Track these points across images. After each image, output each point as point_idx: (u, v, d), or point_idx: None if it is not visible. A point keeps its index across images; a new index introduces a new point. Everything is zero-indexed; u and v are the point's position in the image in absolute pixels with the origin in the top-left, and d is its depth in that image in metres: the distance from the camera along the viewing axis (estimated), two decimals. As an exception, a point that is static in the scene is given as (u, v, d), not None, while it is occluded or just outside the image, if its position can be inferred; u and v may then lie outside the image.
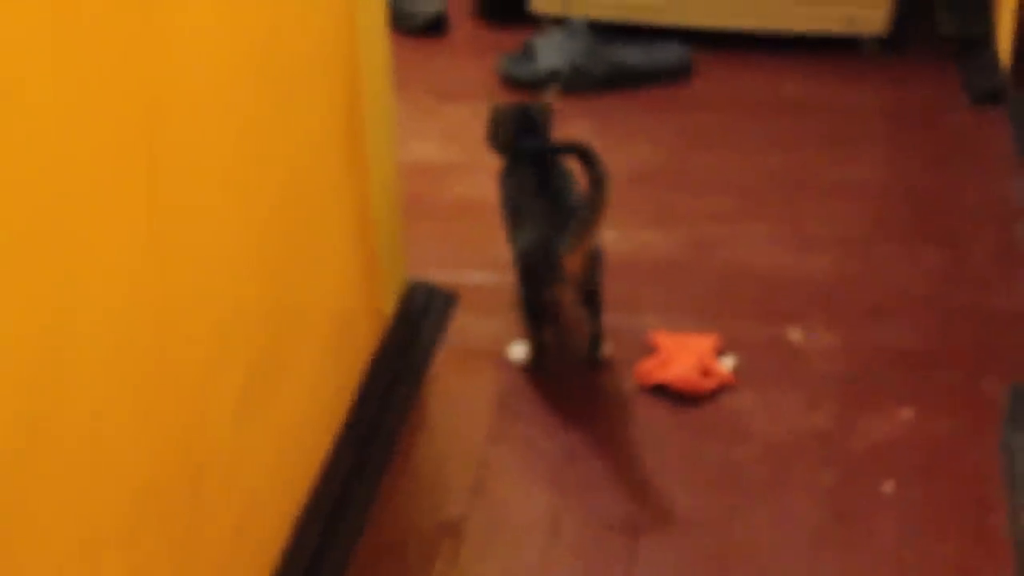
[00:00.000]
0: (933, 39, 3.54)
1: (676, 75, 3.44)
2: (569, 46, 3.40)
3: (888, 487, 2.20)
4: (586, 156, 2.28)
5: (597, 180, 2.25)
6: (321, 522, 2.05)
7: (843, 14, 3.47)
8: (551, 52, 3.39)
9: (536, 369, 2.45)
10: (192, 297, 1.61)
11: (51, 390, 1.30)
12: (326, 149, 2.11)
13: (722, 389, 2.40)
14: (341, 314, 2.22)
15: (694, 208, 2.93)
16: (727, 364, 2.43)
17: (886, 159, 3.16)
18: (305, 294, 2.03)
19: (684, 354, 2.42)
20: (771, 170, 3.07)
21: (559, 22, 3.54)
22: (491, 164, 2.56)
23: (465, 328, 2.56)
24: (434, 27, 3.66)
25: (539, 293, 2.41)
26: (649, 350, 2.47)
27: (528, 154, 2.47)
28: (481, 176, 2.62)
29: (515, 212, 2.46)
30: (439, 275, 2.63)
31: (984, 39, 3.42)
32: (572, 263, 2.32)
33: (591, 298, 2.42)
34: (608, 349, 2.47)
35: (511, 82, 3.39)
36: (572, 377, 2.46)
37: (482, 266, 2.69)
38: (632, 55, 3.43)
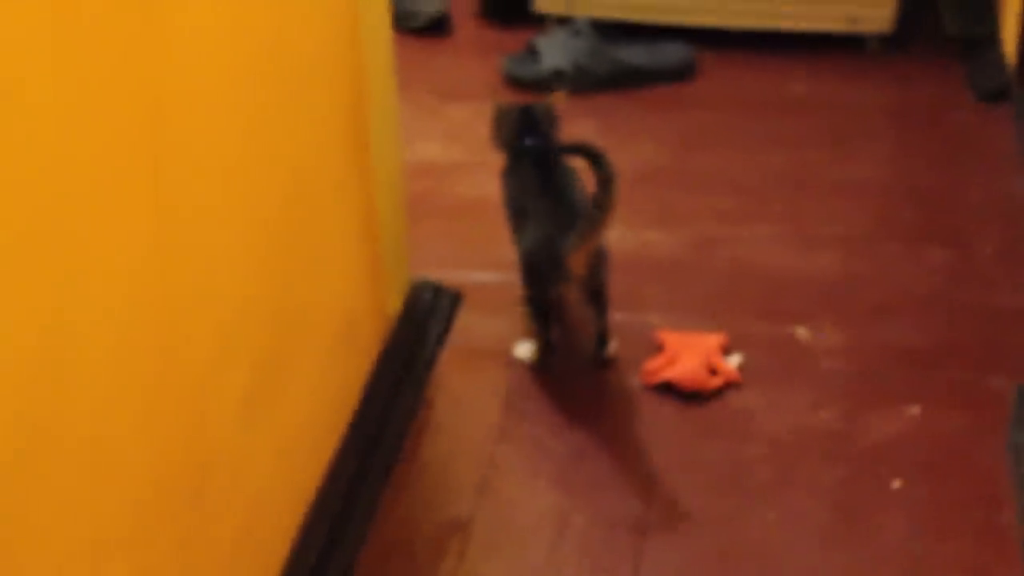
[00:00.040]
0: (938, 37, 3.54)
1: (680, 74, 3.43)
2: (573, 45, 3.39)
3: (895, 485, 2.19)
4: (594, 156, 2.27)
5: (605, 180, 2.25)
6: (327, 522, 2.04)
7: (848, 12, 3.47)
8: (555, 52, 3.39)
9: (542, 368, 2.44)
10: (196, 297, 1.60)
11: (53, 391, 1.30)
12: (330, 149, 2.10)
13: (728, 387, 2.40)
14: (346, 314, 2.22)
15: (698, 207, 2.92)
16: (733, 362, 2.43)
17: (891, 158, 3.16)
18: (310, 294, 2.02)
19: (690, 352, 2.42)
20: (775, 169, 3.06)
21: (563, 21, 3.54)
22: (495, 163, 2.55)
23: (470, 327, 2.55)
24: (437, 27, 3.66)
25: (544, 292, 2.41)
26: (655, 349, 2.47)
27: (529, 153, 2.47)
28: (485, 175, 2.62)
29: (518, 211, 2.45)
30: (444, 274, 2.62)
31: (989, 37, 3.41)
32: (577, 262, 2.32)
33: (597, 297, 2.41)
34: (614, 347, 2.46)
35: (514, 82, 3.39)
36: (578, 376, 2.45)
37: (487, 265, 2.69)
38: (636, 54, 3.43)
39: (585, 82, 3.34)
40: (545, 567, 2.07)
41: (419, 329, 2.48)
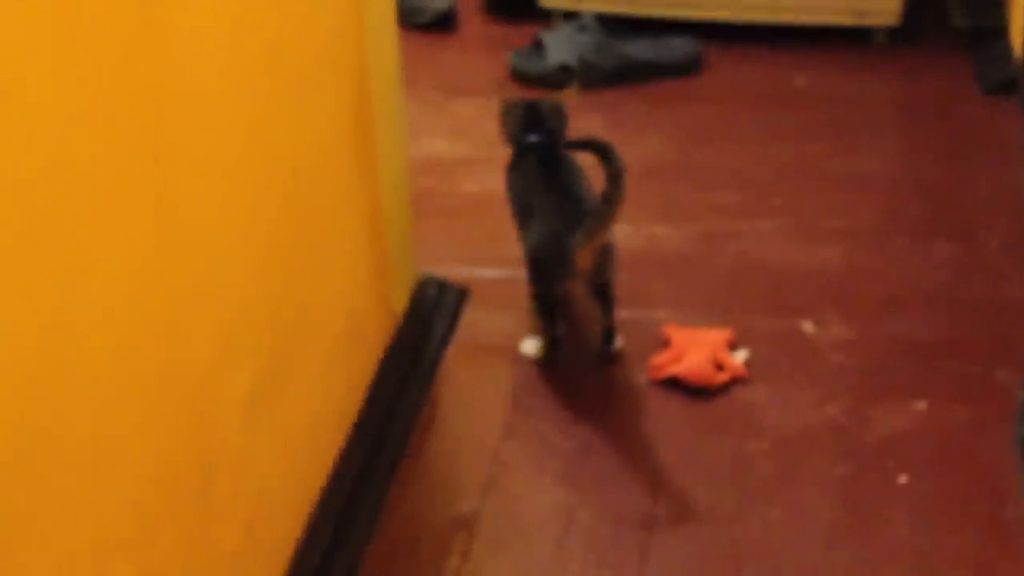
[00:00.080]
0: (945, 30, 3.53)
1: (686, 69, 3.43)
2: (579, 40, 3.39)
3: (902, 480, 2.19)
4: (603, 152, 2.27)
5: (614, 176, 2.25)
6: (333, 520, 2.04)
7: (854, 6, 3.46)
8: (561, 47, 3.39)
9: (548, 364, 2.44)
10: (199, 296, 1.60)
11: (54, 391, 1.30)
12: (335, 147, 2.10)
13: (735, 383, 2.40)
14: (351, 312, 2.22)
15: (705, 202, 2.92)
16: (740, 358, 2.42)
17: (898, 151, 3.15)
18: (315, 293, 2.02)
19: (696, 348, 2.42)
20: (782, 163, 3.06)
21: (569, 16, 3.53)
22: (501, 159, 2.55)
23: (477, 324, 2.55)
24: (443, 22, 3.66)
25: (551, 288, 2.41)
26: (661, 344, 2.47)
27: (533, 149, 2.47)
28: (491, 171, 2.61)
29: (523, 207, 2.45)
30: (450, 271, 2.62)
31: (997, 30, 3.40)
32: (583, 258, 2.32)
33: (603, 292, 2.41)
34: (620, 343, 2.46)
35: (520, 77, 3.38)
36: (584, 372, 2.45)
37: (493, 261, 2.69)
38: (642, 49, 3.43)
39: (591, 77, 3.34)
40: (551, 563, 2.07)
41: (425, 326, 2.48)
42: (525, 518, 2.16)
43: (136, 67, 1.41)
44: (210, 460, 1.66)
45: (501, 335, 2.52)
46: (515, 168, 2.51)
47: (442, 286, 2.57)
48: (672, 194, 2.94)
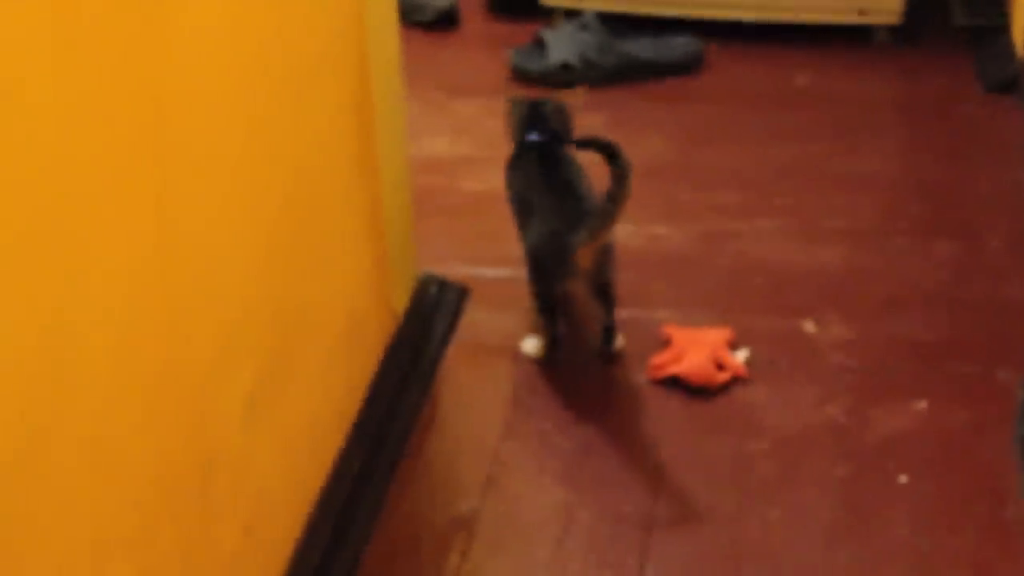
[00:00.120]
0: (947, 28, 3.52)
1: (687, 68, 3.43)
2: (580, 39, 3.39)
3: (902, 480, 2.19)
4: (610, 151, 2.27)
5: (620, 175, 2.25)
6: (333, 520, 2.04)
7: (856, 4, 3.46)
8: (562, 45, 3.39)
9: (548, 363, 2.44)
10: (199, 296, 1.60)
11: (54, 390, 1.30)
12: (336, 147, 2.10)
13: (735, 382, 2.39)
14: (352, 312, 2.22)
15: (705, 201, 2.92)
16: (740, 357, 2.42)
17: (899, 150, 3.15)
18: (315, 293, 2.02)
19: (697, 347, 2.42)
20: (783, 162, 3.06)
21: (570, 15, 3.53)
22: (502, 158, 2.55)
23: (477, 323, 2.55)
24: (444, 20, 3.66)
25: (551, 287, 2.41)
26: (662, 344, 2.47)
27: (533, 148, 2.47)
28: (493, 170, 2.61)
29: (523, 205, 2.46)
30: (451, 270, 2.62)
31: (999, 28, 3.40)
32: (584, 257, 2.32)
33: (604, 291, 2.41)
34: (620, 342, 2.46)
35: (521, 76, 3.38)
36: (585, 371, 2.45)
37: (494, 260, 2.69)
38: (643, 47, 3.42)
39: (592, 75, 3.34)
40: (551, 563, 2.07)
41: (425, 325, 2.48)
42: (525, 518, 2.16)
43: (136, 67, 1.41)
44: (210, 460, 1.66)
45: (502, 334, 2.52)
46: (515, 166, 2.51)
47: (443, 285, 2.57)
48: (673, 193, 2.94)
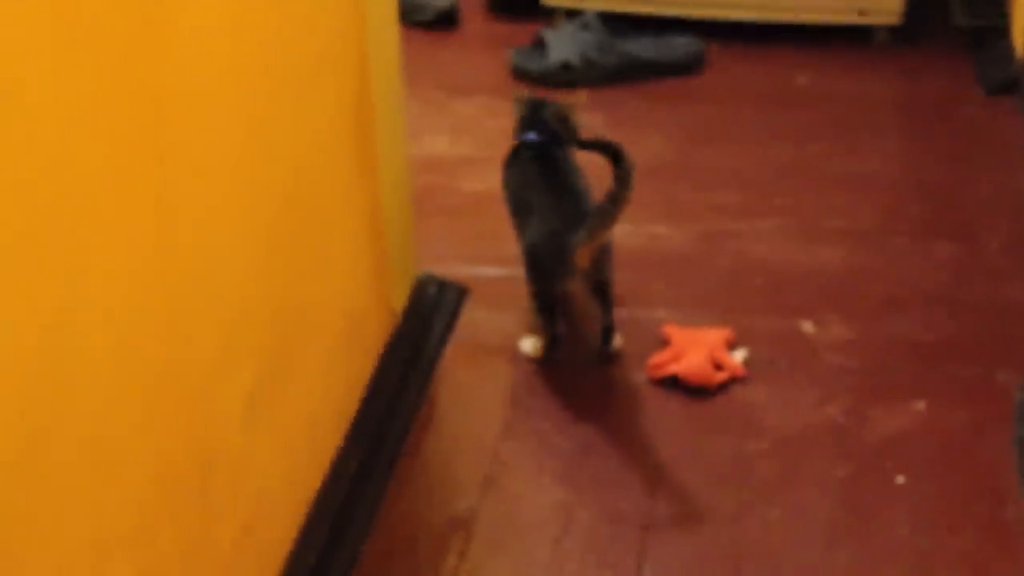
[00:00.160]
0: (947, 29, 3.53)
1: (688, 67, 3.43)
2: (581, 38, 3.39)
3: (900, 480, 2.19)
4: (614, 152, 2.27)
5: (623, 176, 2.25)
6: (331, 519, 2.04)
7: (856, 4, 3.46)
8: (562, 45, 3.39)
9: (547, 362, 2.44)
10: (199, 296, 1.60)
11: (55, 390, 1.30)
12: (335, 146, 2.10)
13: (734, 382, 2.39)
14: (351, 312, 2.22)
15: (705, 201, 2.92)
16: (739, 357, 2.42)
17: (899, 151, 3.15)
18: (314, 292, 2.02)
19: (696, 347, 2.42)
20: (783, 163, 3.06)
21: (571, 14, 3.53)
22: (502, 158, 2.55)
23: (476, 323, 2.55)
24: (445, 20, 3.66)
25: (550, 286, 2.41)
26: (661, 344, 2.47)
27: (531, 148, 2.47)
28: (492, 170, 2.61)
29: (520, 205, 2.46)
30: (450, 269, 2.62)
31: (999, 29, 3.40)
32: (583, 256, 2.32)
33: (602, 290, 2.41)
34: (619, 342, 2.46)
35: (522, 75, 3.38)
36: (584, 371, 2.45)
37: (494, 260, 2.69)
38: (643, 47, 3.43)
39: (593, 75, 3.34)
40: (549, 563, 2.07)
41: (424, 324, 2.48)
42: (524, 518, 2.16)
43: (136, 67, 1.41)
44: (210, 459, 1.66)
45: (501, 334, 2.52)
46: (512, 165, 2.51)
47: (442, 285, 2.57)
48: (672, 193, 2.94)
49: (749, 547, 2.09)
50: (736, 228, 2.82)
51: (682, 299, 2.61)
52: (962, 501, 2.15)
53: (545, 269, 2.38)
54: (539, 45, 3.45)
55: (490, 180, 2.67)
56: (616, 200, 2.26)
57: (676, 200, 2.92)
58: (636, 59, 3.39)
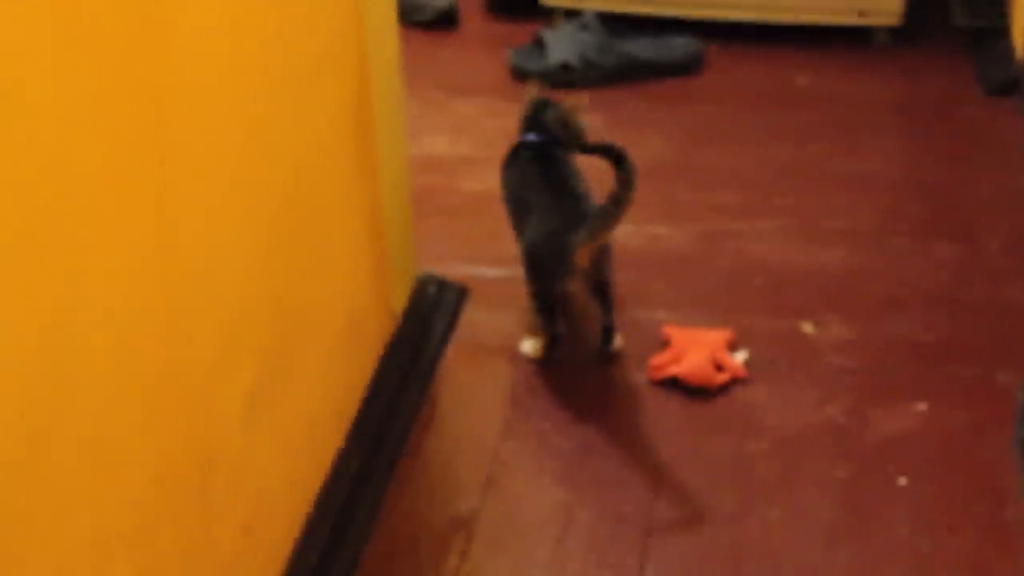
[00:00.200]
0: (947, 30, 3.52)
1: (687, 68, 3.42)
2: (580, 39, 3.39)
3: (901, 481, 2.19)
4: (617, 156, 2.26)
5: (625, 180, 2.25)
6: (331, 519, 2.04)
7: (856, 5, 3.46)
8: (561, 45, 3.38)
9: (548, 362, 2.44)
10: (200, 296, 1.60)
11: (55, 390, 1.30)
12: (335, 147, 2.10)
13: (735, 383, 2.39)
14: (351, 312, 2.21)
15: (705, 202, 2.91)
16: (739, 358, 2.42)
17: (899, 152, 3.15)
18: (314, 292, 2.02)
19: (696, 348, 2.42)
20: (782, 163, 3.05)
21: (570, 14, 3.53)
22: (502, 158, 2.55)
23: (477, 323, 2.55)
24: (444, 20, 3.65)
25: (550, 286, 2.41)
26: (661, 344, 2.46)
27: (529, 149, 2.47)
28: (492, 170, 2.61)
29: (518, 205, 2.46)
30: (450, 270, 2.62)
31: (999, 30, 3.40)
32: (583, 256, 2.32)
33: (602, 290, 2.41)
34: (619, 342, 2.46)
35: (521, 75, 3.38)
36: (584, 371, 2.45)
37: (493, 260, 2.68)
38: (643, 48, 3.42)
39: (592, 76, 3.34)
40: (550, 563, 2.07)
41: (424, 324, 2.47)
42: (524, 518, 2.15)
43: (136, 67, 1.41)
44: (210, 459, 1.66)
45: (501, 334, 2.52)
46: (511, 165, 2.51)
47: (442, 285, 2.57)
48: (672, 194, 2.94)
49: (750, 547, 2.09)
50: (736, 228, 2.82)
51: (682, 299, 2.61)
52: (962, 502, 2.15)
53: (544, 269, 2.38)
54: (538, 45, 3.45)
55: (490, 180, 2.67)
56: (618, 202, 2.26)
57: (676, 200, 2.92)
58: (635, 59, 3.39)
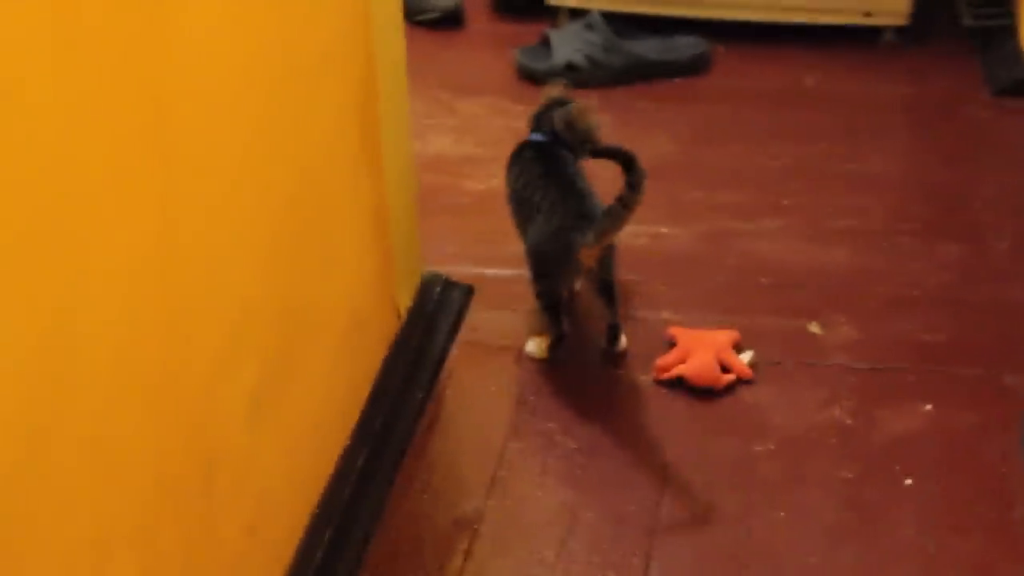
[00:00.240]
0: (954, 30, 3.51)
1: (693, 68, 3.42)
2: (586, 39, 3.38)
3: (908, 481, 2.18)
4: (626, 160, 2.25)
5: (635, 183, 2.24)
6: (336, 520, 2.04)
7: (863, 5, 3.45)
8: (567, 45, 3.38)
9: (553, 362, 2.44)
10: (204, 295, 1.60)
11: (57, 390, 1.30)
12: (340, 145, 2.10)
13: (740, 383, 2.39)
14: (355, 312, 2.21)
15: (711, 201, 2.91)
16: (745, 359, 2.42)
17: (905, 151, 3.14)
18: (318, 292, 2.02)
19: (702, 348, 2.41)
20: (789, 163, 3.05)
21: (576, 14, 3.52)
22: (507, 157, 2.55)
23: (482, 323, 2.55)
24: (450, 20, 3.65)
25: (555, 285, 2.40)
26: (667, 345, 2.46)
27: (532, 147, 2.47)
28: (497, 169, 2.61)
29: (522, 204, 2.45)
30: (455, 269, 2.62)
31: (1006, 30, 3.39)
32: (588, 256, 2.32)
33: (607, 289, 2.41)
34: (624, 343, 2.46)
35: (527, 75, 3.38)
36: (589, 372, 2.45)
37: (499, 259, 2.68)
38: (649, 48, 3.42)
39: (598, 75, 3.33)
40: (555, 564, 2.07)
41: (429, 324, 2.47)
42: (529, 518, 2.15)
43: (139, 66, 1.40)
44: (213, 459, 1.66)
45: (506, 334, 2.52)
46: (515, 164, 2.51)
47: (447, 284, 2.56)
48: (678, 193, 2.94)
49: (755, 547, 2.08)
50: (742, 228, 2.82)
51: (688, 299, 2.60)
52: (968, 502, 2.14)
53: (549, 268, 2.38)
54: (544, 45, 3.45)
55: (495, 180, 2.67)
56: (626, 205, 2.26)
57: (682, 200, 2.91)
58: (642, 59, 3.38)
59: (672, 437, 2.29)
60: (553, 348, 2.44)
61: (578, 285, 2.53)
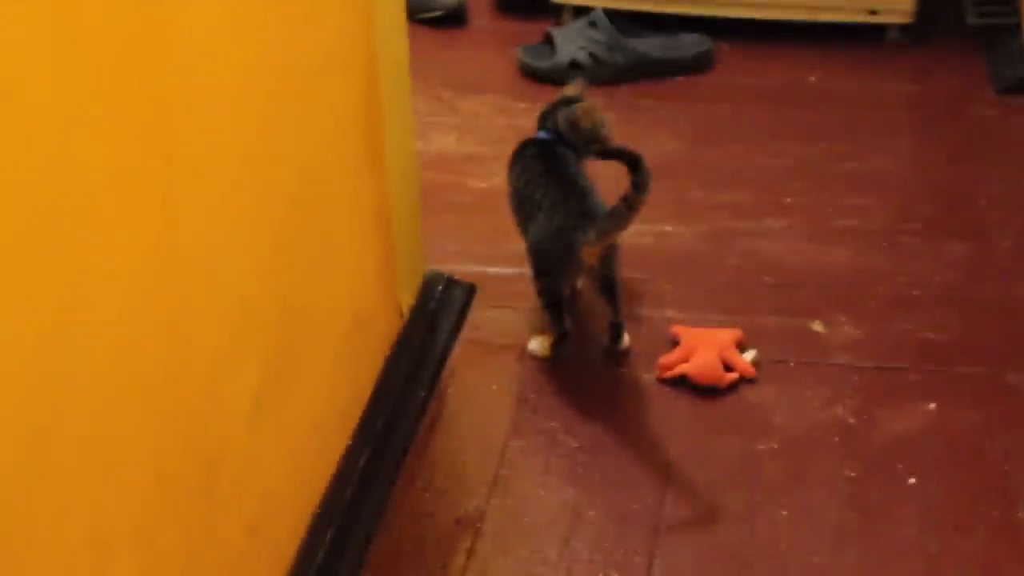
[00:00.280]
0: (959, 28, 3.51)
1: (697, 66, 3.41)
2: (589, 36, 3.38)
3: (911, 480, 2.18)
4: (632, 161, 2.25)
5: (640, 183, 2.24)
6: (337, 519, 2.03)
7: (867, 3, 3.44)
8: (570, 43, 3.38)
9: (556, 360, 2.43)
10: (205, 295, 1.60)
11: (58, 389, 1.30)
12: (342, 144, 2.10)
13: (743, 382, 2.39)
14: (358, 311, 2.21)
15: (714, 200, 2.91)
16: (748, 358, 2.41)
17: (909, 150, 3.14)
18: (321, 291, 2.02)
19: (705, 347, 2.41)
20: (792, 162, 3.04)
21: (579, 12, 3.52)
22: (510, 155, 2.55)
23: (484, 321, 2.54)
24: (453, 18, 3.65)
25: (557, 283, 2.40)
26: (670, 343, 2.46)
27: (534, 145, 2.47)
28: (500, 168, 2.60)
29: (523, 203, 2.45)
30: (458, 268, 2.61)
31: (1012, 28, 3.38)
32: (591, 255, 2.32)
33: (610, 287, 2.41)
34: (627, 341, 2.45)
35: (530, 73, 3.37)
36: (592, 370, 2.45)
37: (501, 258, 2.68)
38: (653, 45, 3.41)
39: (602, 73, 3.33)
40: (557, 562, 2.07)
41: (431, 323, 2.47)
42: (531, 517, 2.15)
43: (140, 66, 1.40)
44: (214, 459, 1.65)
45: (508, 333, 2.51)
46: (516, 163, 2.51)
47: (449, 283, 2.56)
48: (682, 192, 2.93)
49: (758, 547, 2.08)
50: (745, 227, 2.81)
51: (691, 298, 2.60)
52: (972, 502, 2.14)
53: (551, 266, 2.38)
54: (547, 43, 3.44)
55: (498, 178, 2.66)
56: (631, 205, 2.25)
57: (685, 199, 2.91)
58: (645, 57, 3.38)
59: (675, 436, 2.29)
60: (555, 346, 2.44)
61: (580, 283, 2.52)
